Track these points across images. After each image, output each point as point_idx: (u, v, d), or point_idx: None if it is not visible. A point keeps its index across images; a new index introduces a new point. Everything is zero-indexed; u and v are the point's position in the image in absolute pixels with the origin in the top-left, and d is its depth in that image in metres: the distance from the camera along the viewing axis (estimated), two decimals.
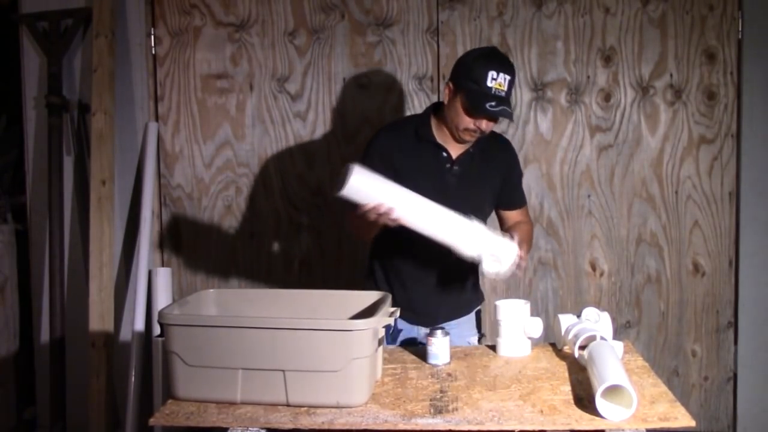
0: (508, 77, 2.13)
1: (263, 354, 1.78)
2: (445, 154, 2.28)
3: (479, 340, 2.50)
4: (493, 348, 2.21)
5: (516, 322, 2.14)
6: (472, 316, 2.48)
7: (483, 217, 2.25)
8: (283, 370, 1.77)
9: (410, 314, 2.35)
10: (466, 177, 2.29)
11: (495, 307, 2.18)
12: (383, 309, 1.91)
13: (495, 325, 2.18)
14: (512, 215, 2.42)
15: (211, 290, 2.17)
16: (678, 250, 3.22)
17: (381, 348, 1.96)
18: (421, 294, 2.36)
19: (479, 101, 2.11)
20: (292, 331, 1.77)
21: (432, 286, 2.35)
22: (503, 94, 2.11)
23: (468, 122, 2.17)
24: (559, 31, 3.18)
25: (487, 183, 2.34)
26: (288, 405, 1.78)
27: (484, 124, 2.16)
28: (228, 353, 1.80)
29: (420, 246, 2.14)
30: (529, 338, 2.17)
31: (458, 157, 2.28)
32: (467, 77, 2.14)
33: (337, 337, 1.76)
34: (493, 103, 2.10)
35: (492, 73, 2.10)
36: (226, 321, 1.90)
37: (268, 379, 1.78)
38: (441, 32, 3.20)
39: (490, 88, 2.10)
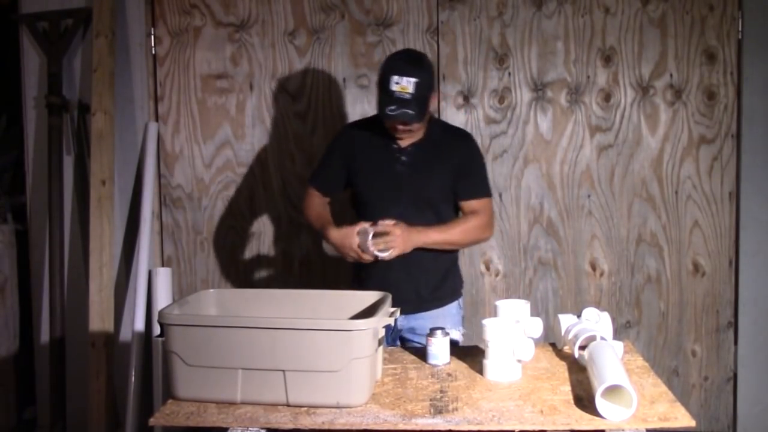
0: (413, 80, 2.20)
1: (263, 354, 1.78)
2: (395, 145, 2.40)
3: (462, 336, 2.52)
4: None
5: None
6: (447, 311, 2.48)
7: (436, 206, 2.40)
8: (283, 370, 1.77)
9: None
10: (415, 166, 2.39)
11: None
12: (383, 309, 1.91)
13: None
14: (467, 206, 2.43)
15: (211, 290, 2.18)
16: (678, 250, 3.22)
17: (381, 348, 1.96)
18: (380, 286, 2.34)
19: (381, 104, 2.24)
20: (292, 331, 1.77)
21: (391, 280, 2.33)
22: (407, 96, 2.20)
23: (385, 122, 2.31)
24: (559, 31, 3.18)
25: (437, 173, 2.39)
26: (288, 405, 1.78)
27: (400, 126, 2.28)
28: (228, 353, 1.80)
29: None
30: (530, 338, 2.14)
31: (406, 147, 2.40)
32: (378, 81, 2.29)
33: (337, 337, 1.76)
34: (393, 107, 2.20)
35: (394, 77, 2.20)
36: (226, 321, 1.90)
37: (268, 379, 1.79)
38: (441, 32, 3.20)
39: (393, 91, 2.20)
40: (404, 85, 2.20)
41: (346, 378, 1.76)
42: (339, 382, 1.76)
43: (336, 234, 2.33)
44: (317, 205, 2.52)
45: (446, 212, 2.44)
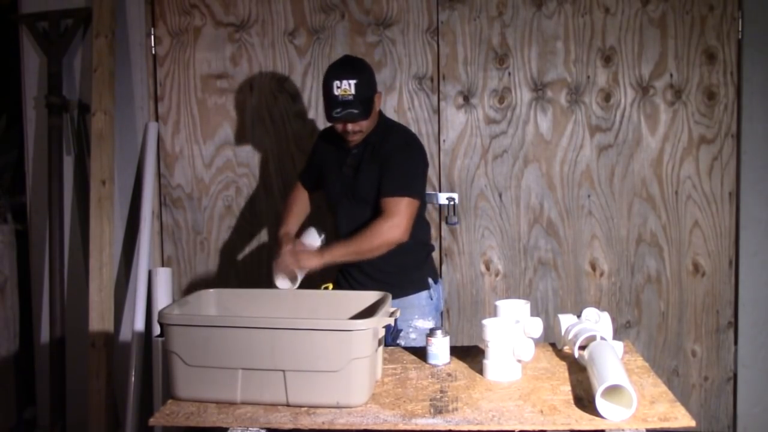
0: (352, 81, 2.35)
1: (263, 354, 1.78)
2: (343, 149, 2.55)
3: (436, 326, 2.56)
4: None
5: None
6: (414, 300, 2.54)
7: (375, 204, 2.46)
8: (283, 370, 1.77)
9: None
10: (355, 167, 2.53)
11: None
12: (383, 309, 1.91)
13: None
14: (381, 204, 2.43)
15: (211, 290, 2.18)
16: (678, 250, 3.22)
17: (381, 348, 1.96)
18: (349, 286, 2.56)
19: (328, 109, 2.40)
20: (292, 331, 1.78)
21: (356, 278, 2.56)
22: (350, 98, 2.35)
23: (336, 126, 2.45)
24: (559, 31, 3.18)
25: (369, 171, 2.49)
26: (288, 405, 1.78)
27: (349, 126, 2.41)
28: (228, 353, 1.80)
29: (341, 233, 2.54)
30: (530, 338, 2.14)
31: (351, 149, 2.53)
32: (322, 90, 2.42)
33: (337, 337, 1.76)
34: (338, 110, 2.36)
35: (336, 83, 2.36)
36: (226, 321, 1.91)
37: (268, 379, 1.79)
38: (441, 32, 3.20)
39: (336, 96, 2.36)
40: (345, 87, 2.35)
41: (345, 378, 1.76)
42: (339, 382, 1.76)
43: (279, 235, 2.57)
44: (294, 197, 2.75)
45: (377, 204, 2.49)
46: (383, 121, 2.59)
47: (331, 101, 2.37)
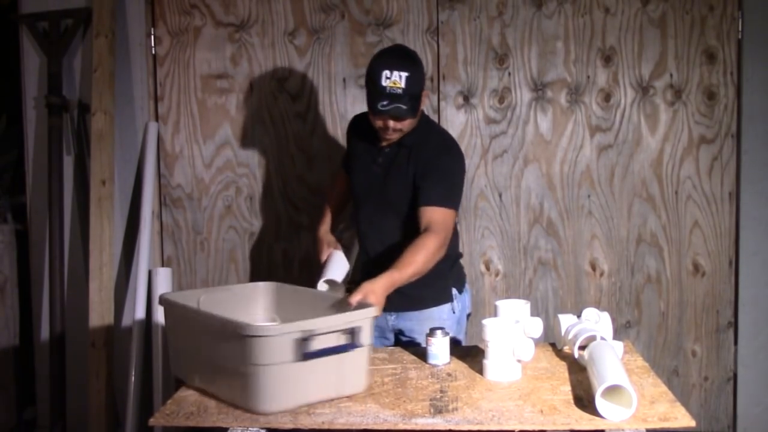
0: (404, 74, 2.15)
1: (203, 345, 1.91)
2: (375, 146, 2.38)
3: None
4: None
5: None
6: (433, 314, 2.39)
7: (400, 212, 2.33)
8: (213, 365, 1.87)
9: None
10: (388, 169, 2.35)
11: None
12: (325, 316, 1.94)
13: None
14: (420, 212, 2.25)
15: (272, 283, 2.32)
16: (678, 250, 3.22)
17: (339, 356, 1.82)
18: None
19: (373, 100, 2.19)
20: (219, 328, 1.84)
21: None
22: (399, 91, 2.15)
23: (375, 121, 2.26)
24: (559, 31, 3.18)
25: (401, 177, 2.32)
26: (219, 399, 1.87)
27: (391, 123, 2.22)
28: (187, 340, 2.00)
29: (363, 242, 2.46)
30: (530, 338, 2.14)
31: (383, 148, 2.37)
32: (367, 78, 2.24)
33: (245, 340, 1.74)
34: (385, 102, 2.16)
35: (386, 72, 2.15)
36: (183, 311, 2.03)
37: (211, 370, 1.89)
38: (441, 32, 3.20)
39: (384, 87, 2.15)
40: (395, 79, 2.15)
41: (254, 382, 1.73)
42: (245, 386, 1.75)
43: (319, 236, 2.49)
44: (337, 186, 2.64)
45: (412, 217, 2.30)
46: (423, 120, 2.38)
47: (377, 92, 2.17)
